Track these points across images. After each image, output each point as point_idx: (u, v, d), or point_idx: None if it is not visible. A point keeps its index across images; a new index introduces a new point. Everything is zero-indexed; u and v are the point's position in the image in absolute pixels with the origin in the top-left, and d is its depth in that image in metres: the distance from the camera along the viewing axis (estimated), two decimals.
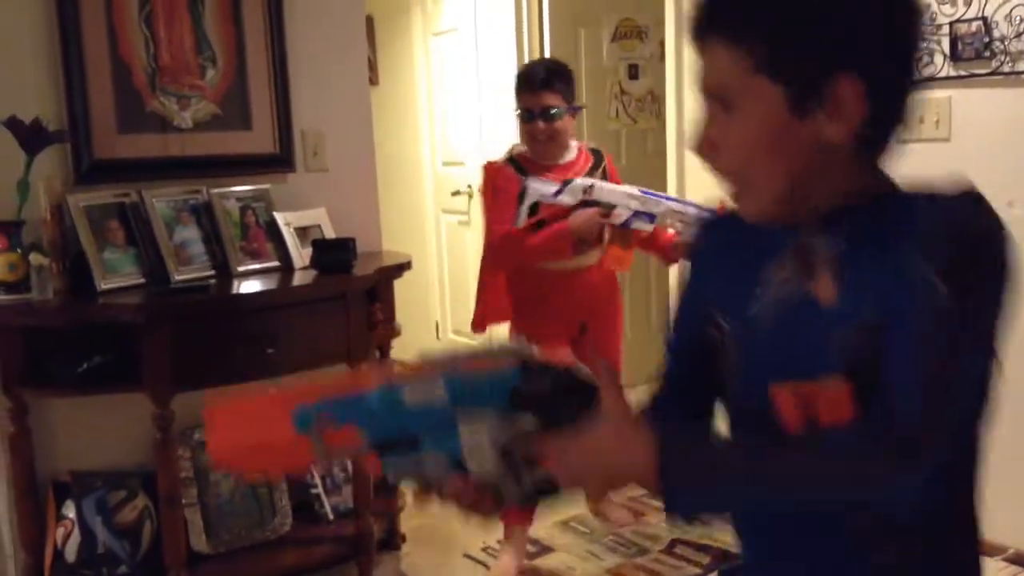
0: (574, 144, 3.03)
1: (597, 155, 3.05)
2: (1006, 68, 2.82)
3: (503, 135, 3.11)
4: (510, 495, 1.02)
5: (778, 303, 1.03)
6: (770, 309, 1.03)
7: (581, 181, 2.84)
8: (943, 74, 2.96)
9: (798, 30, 0.94)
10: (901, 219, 0.96)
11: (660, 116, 4.44)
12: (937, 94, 2.98)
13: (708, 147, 1.01)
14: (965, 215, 0.93)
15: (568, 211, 2.82)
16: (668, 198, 2.94)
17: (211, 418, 1.04)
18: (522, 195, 2.83)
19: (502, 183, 2.92)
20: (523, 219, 2.83)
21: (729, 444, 1.03)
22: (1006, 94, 2.85)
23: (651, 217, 2.80)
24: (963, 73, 2.92)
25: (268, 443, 1.03)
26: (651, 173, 4.38)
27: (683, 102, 3.88)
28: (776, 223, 1.03)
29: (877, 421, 0.92)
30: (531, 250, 2.86)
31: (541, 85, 2.88)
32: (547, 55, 4.62)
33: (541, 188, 2.82)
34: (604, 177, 2.98)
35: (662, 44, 4.31)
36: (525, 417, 0.99)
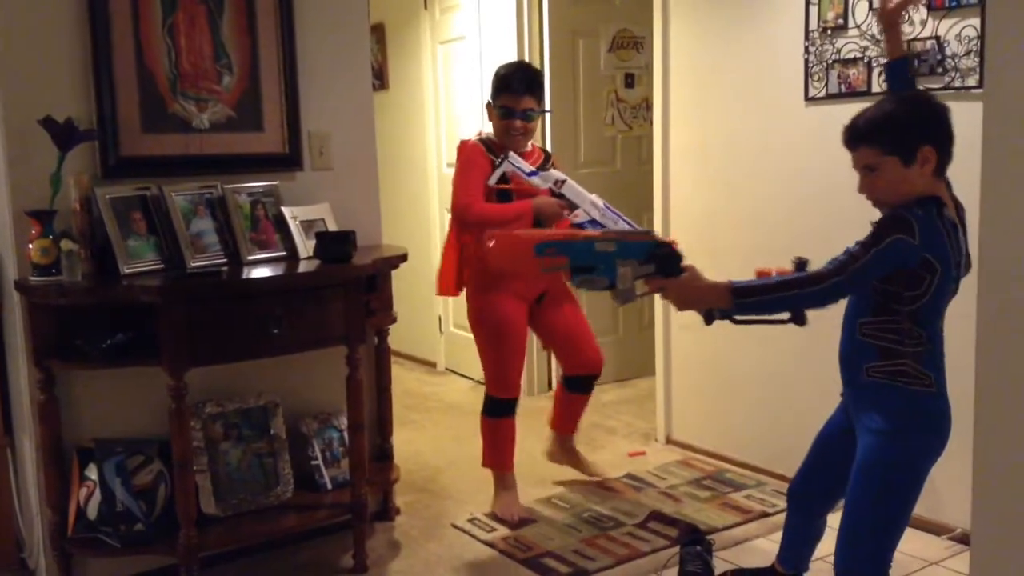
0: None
1: (547, 154, 3.47)
2: (957, 83, 3.04)
3: None
4: (631, 297, 2.23)
5: None
6: None
7: (556, 173, 3.23)
8: None
9: (902, 135, 2.21)
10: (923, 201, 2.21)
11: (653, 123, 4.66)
12: None
13: (866, 190, 2.27)
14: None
15: (532, 193, 3.19)
16: (625, 220, 3.18)
17: (492, 238, 2.37)
18: (501, 161, 3.21)
19: (475, 159, 3.29)
20: (494, 180, 3.22)
21: (759, 284, 2.22)
22: (957, 107, 3.04)
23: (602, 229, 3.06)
24: (919, 88, 3.13)
25: (520, 255, 2.36)
26: (644, 176, 4.61)
27: (668, 109, 4.09)
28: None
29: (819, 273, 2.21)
30: (488, 216, 3.19)
31: (524, 91, 3.28)
32: (547, 64, 4.86)
33: (519, 163, 3.21)
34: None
35: None
36: (649, 266, 2.20)
